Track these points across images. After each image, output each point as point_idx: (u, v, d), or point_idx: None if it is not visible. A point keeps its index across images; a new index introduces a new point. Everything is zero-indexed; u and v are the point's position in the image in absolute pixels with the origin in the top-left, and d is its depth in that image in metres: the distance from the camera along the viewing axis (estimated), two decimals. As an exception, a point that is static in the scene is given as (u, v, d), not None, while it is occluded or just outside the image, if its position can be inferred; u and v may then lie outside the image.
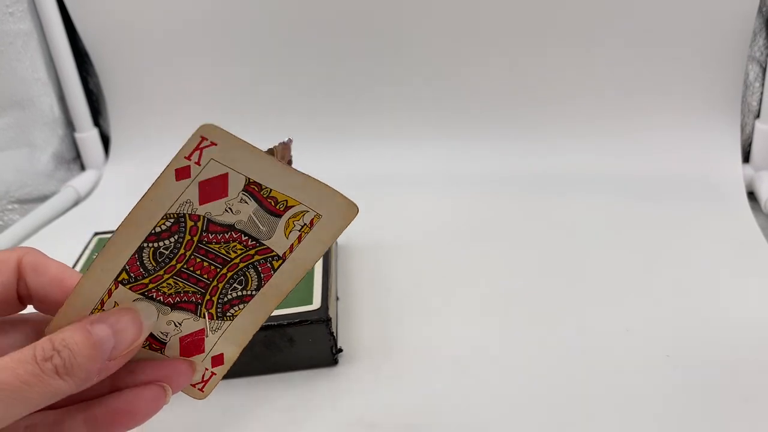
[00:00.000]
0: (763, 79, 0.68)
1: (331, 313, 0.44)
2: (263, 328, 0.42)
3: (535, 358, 0.44)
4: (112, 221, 0.58)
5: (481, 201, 0.66)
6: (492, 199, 0.66)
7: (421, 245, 0.59)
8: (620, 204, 0.64)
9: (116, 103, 0.81)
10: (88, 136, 0.82)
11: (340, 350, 0.45)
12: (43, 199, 0.78)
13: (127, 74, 0.79)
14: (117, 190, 0.78)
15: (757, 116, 0.69)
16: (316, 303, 0.44)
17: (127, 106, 0.81)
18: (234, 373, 0.43)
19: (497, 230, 0.61)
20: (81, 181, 0.80)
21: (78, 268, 0.52)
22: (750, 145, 0.70)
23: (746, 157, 0.71)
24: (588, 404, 0.40)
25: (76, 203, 0.77)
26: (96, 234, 0.57)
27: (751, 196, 0.66)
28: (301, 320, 0.42)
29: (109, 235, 0.56)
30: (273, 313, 0.43)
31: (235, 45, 0.75)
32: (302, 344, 0.43)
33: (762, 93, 0.68)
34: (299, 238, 0.28)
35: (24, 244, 0.67)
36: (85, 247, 0.55)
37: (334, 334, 0.44)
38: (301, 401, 0.41)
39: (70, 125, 0.82)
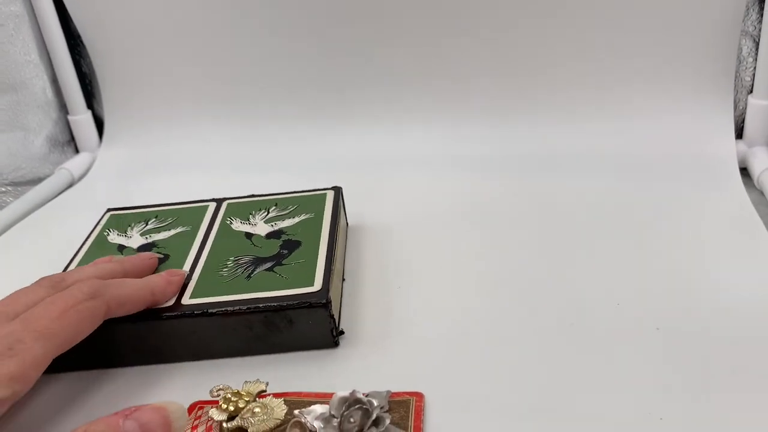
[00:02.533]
0: (757, 53, 0.68)
1: (333, 296, 0.44)
2: (263, 309, 0.42)
3: (534, 334, 0.44)
4: (105, 203, 0.58)
5: (484, 183, 0.66)
6: (496, 180, 0.67)
7: (430, 226, 0.59)
8: (613, 181, 0.64)
9: (109, 86, 0.81)
10: (81, 118, 0.82)
11: (342, 332, 0.45)
12: (37, 181, 0.77)
13: (120, 57, 0.79)
14: (111, 173, 0.78)
15: (750, 91, 0.69)
16: (317, 285, 0.44)
17: (120, 89, 0.81)
18: (234, 352, 0.44)
19: (500, 211, 0.61)
20: (75, 164, 0.79)
21: (89, 242, 0.53)
22: (743, 120, 0.70)
23: (739, 133, 0.71)
24: (580, 376, 0.40)
25: (70, 186, 0.77)
26: (109, 210, 0.57)
27: (744, 171, 0.66)
28: (300, 302, 0.42)
29: (122, 212, 0.56)
30: (274, 294, 0.43)
31: (231, 27, 0.75)
32: (302, 325, 0.43)
33: (755, 68, 0.68)
34: None
35: (18, 226, 0.67)
36: (97, 223, 0.55)
37: (335, 317, 0.44)
38: (300, 382, 0.41)
39: (63, 108, 0.82)
